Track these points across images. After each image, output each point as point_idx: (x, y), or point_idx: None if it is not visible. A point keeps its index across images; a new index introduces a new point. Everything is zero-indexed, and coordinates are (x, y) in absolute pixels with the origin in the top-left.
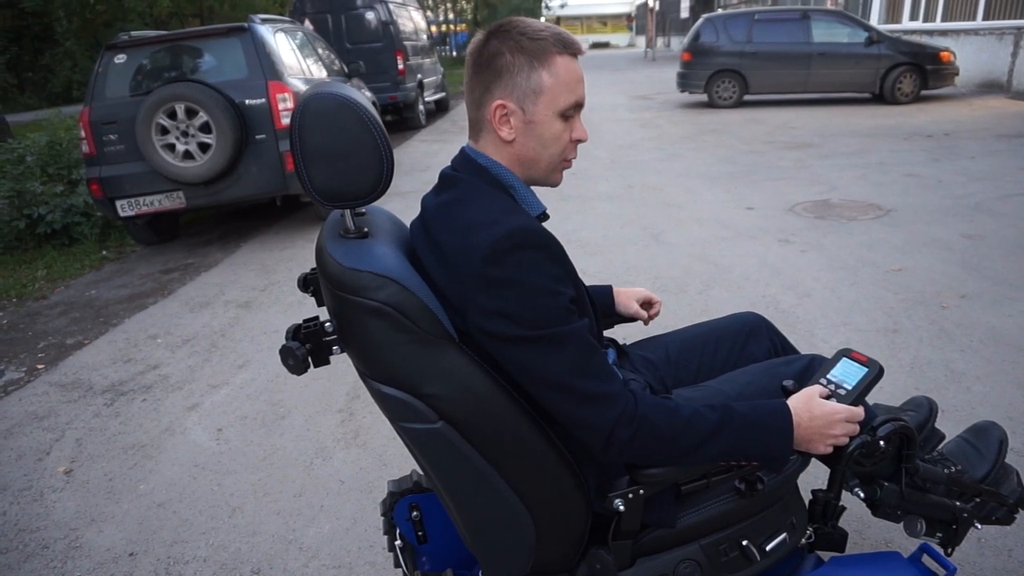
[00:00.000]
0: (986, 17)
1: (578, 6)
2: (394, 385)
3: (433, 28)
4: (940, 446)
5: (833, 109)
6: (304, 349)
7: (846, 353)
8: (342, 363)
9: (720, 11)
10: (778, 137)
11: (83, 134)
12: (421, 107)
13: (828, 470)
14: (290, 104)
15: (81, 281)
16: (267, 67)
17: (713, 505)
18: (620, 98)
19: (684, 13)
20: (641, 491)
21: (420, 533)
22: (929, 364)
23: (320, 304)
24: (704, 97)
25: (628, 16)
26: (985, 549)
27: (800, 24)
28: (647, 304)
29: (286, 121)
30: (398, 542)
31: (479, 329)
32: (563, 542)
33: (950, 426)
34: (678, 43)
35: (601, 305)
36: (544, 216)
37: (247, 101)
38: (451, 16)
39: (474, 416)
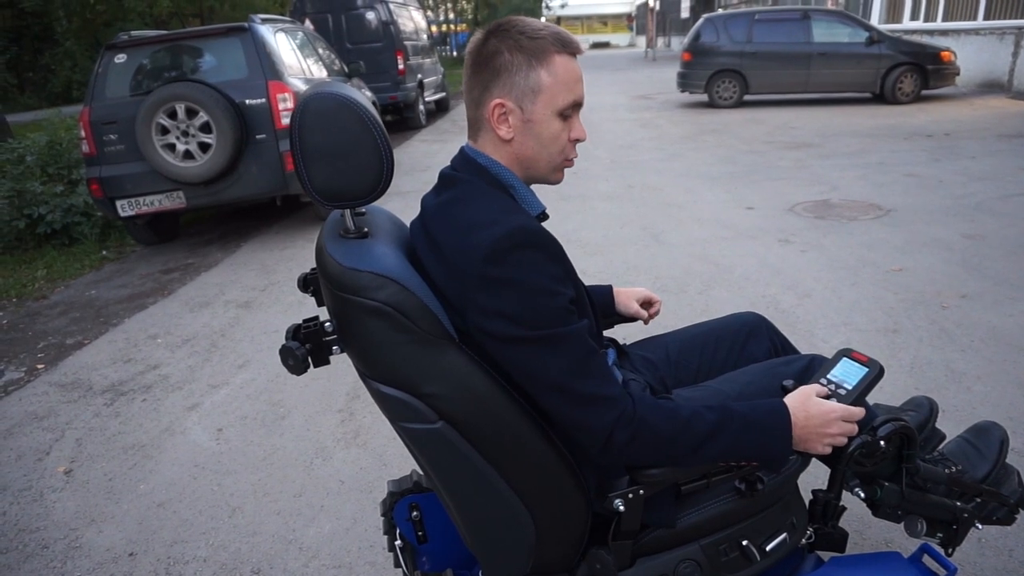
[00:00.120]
0: (987, 17)
1: (578, 6)
2: (394, 385)
3: (433, 28)
4: (941, 446)
5: (833, 109)
6: (304, 349)
7: (846, 353)
8: (342, 363)
9: (720, 11)
10: (778, 137)
11: (83, 134)
12: (421, 107)
13: (828, 470)
14: (290, 104)
15: (81, 281)
16: (267, 67)
17: (713, 505)
18: (620, 98)
19: (684, 13)
20: (641, 491)
21: (420, 533)
22: (929, 364)
23: (320, 304)
24: (704, 97)
25: (628, 16)
26: (986, 549)
27: (800, 24)
28: (647, 304)
29: (286, 121)
30: (398, 542)
31: (479, 329)
32: (563, 542)
33: (951, 426)
34: (678, 43)
35: (601, 305)
36: (544, 216)
37: (247, 101)
38: (451, 16)
39: (474, 416)
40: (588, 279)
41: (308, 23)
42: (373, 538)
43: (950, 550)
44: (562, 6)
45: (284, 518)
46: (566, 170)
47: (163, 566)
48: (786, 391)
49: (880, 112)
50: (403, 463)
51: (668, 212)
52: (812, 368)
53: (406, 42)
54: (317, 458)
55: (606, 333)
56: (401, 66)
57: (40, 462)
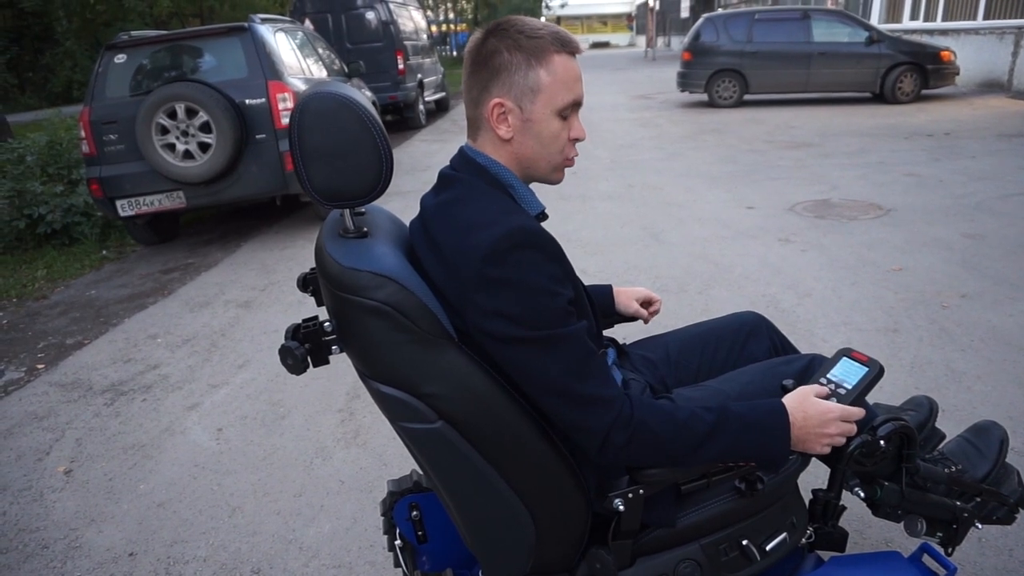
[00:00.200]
0: (986, 16)
1: (578, 6)
2: (393, 385)
3: (433, 28)
4: (941, 445)
5: (833, 109)
6: (303, 349)
7: (846, 353)
8: (342, 363)
9: (720, 11)
10: (778, 137)
11: (83, 134)
12: (421, 107)
13: (828, 470)
14: (290, 104)
15: (81, 281)
16: (267, 67)
17: (713, 505)
18: (620, 98)
19: (684, 13)
20: (641, 491)
21: (420, 533)
22: (929, 363)
23: (320, 304)
24: (704, 97)
25: (628, 16)
26: (986, 549)
27: (800, 24)
28: (647, 303)
29: (286, 121)
30: (398, 542)
31: (478, 329)
32: (563, 542)
33: (951, 426)
34: (678, 43)
35: (601, 305)
36: (543, 216)
37: (247, 101)
38: (451, 16)
39: (474, 416)
40: (588, 279)
41: (308, 23)
42: (373, 538)
43: (950, 549)
44: (562, 6)
45: (284, 518)
46: (566, 170)
47: (163, 566)
48: (786, 391)
49: (880, 112)
50: (403, 463)
51: (668, 211)
52: (812, 368)
53: (406, 42)
54: (317, 458)
55: (606, 332)
56: (401, 66)
57: (40, 462)
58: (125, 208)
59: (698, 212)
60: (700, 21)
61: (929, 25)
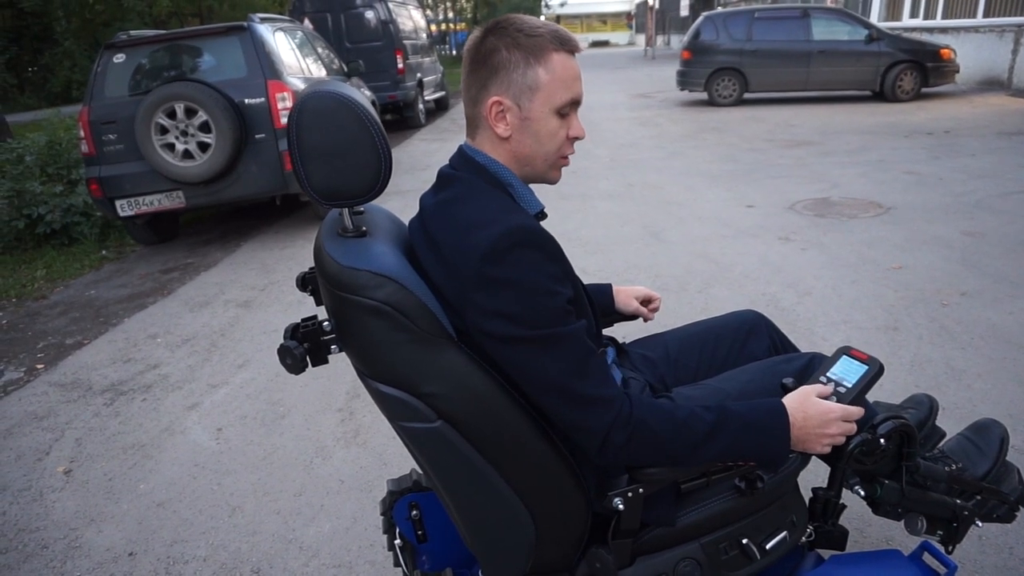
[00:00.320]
0: (986, 14)
1: (578, 4)
2: (393, 384)
3: (433, 27)
4: (941, 444)
5: (833, 107)
6: (302, 348)
7: (846, 351)
8: (342, 362)
9: (720, 9)
10: (778, 135)
11: (82, 134)
12: (421, 106)
13: (828, 468)
14: (289, 103)
15: (81, 281)
16: (266, 66)
17: (713, 503)
18: (620, 96)
19: (684, 11)
20: (641, 490)
21: (420, 532)
22: (929, 362)
23: (319, 303)
24: (704, 95)
25: (628, 14)
26: (986, 547)
27: (800, 22)
28: (647, 301)
29: (286, 120)
30: (398, 541)
31: (477, 329)
32: (563, 541)
33: (951, 424)
34: (678, 41)
35: (601, 304)
36: (542, 215)
37: (246, 100)
38: (451, 15)
39: (473, 415)
40: (588, 278)
41: (307, 22)
42: (373, 537)
43: (950, 548)
44: (561, 4)
45: (284, 517)
46: (566, 169)
47: (163, 566)
48: (786, 389)
49: (880, 110)
50: (403, 462)
51: (668, 210)
52: (812, 366)
53: (405, 41)
54: (317, 457)
55: (606, 331)
56: (400, 65)
57: (40, 462)
58: (124, 208)
59: (698, 211)
60: (700, 20)
61: (929, 23)
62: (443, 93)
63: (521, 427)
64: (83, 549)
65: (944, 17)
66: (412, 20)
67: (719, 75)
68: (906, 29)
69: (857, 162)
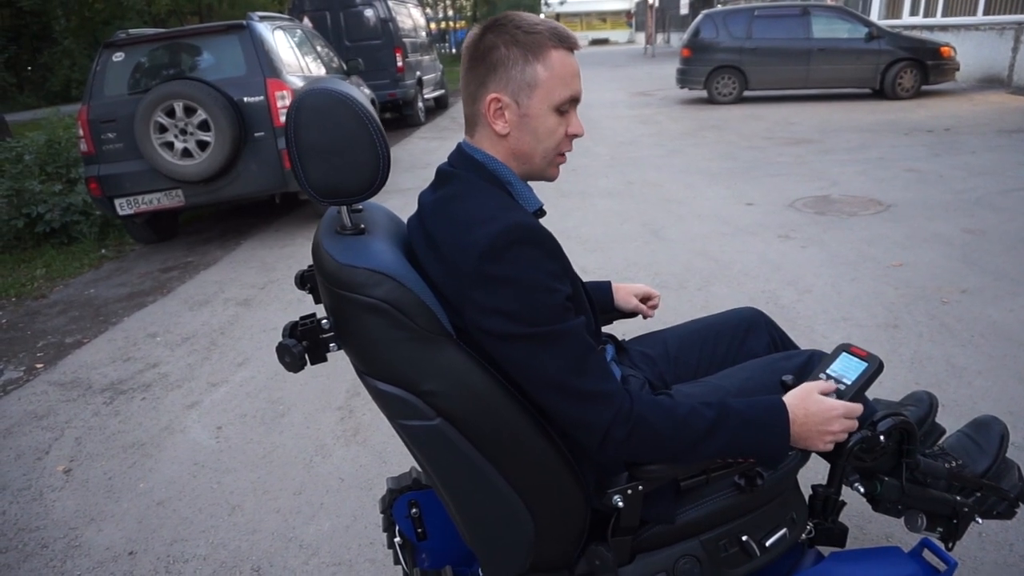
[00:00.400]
0: (986, 12)
1: (578, 2)
2: (392, 382)
3: (432, 25)
4: (941, 441)
5: (833, 105)
6: (301, 346)
7: (845, 348)
8: (342, 360)
9: (720, 7)
10: (778, 133)
11: (81, 132)
12: (420, 104)
13: (828, 465)
14: (289, 102)
15: (80, 280)
16: (265, 65)
17: (712, 501)
18: (620, 94)
19: (684, 9)
20: (640, 487)
21: (419, 530)
22: (930, 359)
23: (318, 301)
24: (704, 93)
25: (628, 12)
26: (986, 543)
27: (800, 20)
28: (646, 299)
29: (285, 118)
30: (397, 539)
31: (476, 326)
32: (562, 539)
33: (951, 421)
34: (678, 39)
35: (600, 301)
36: (541, 212)
37: (245, 99)
38: (450, 13)
39: (472, 413)
40: (588, 276)
41: (307, 21)
42: (373, 535)
43: (950, 544)
44: (561, 2)
45: (284, 516)
46: (566, 166)
47: (163, 564)
48: (785, 386)
49: (880, 107)
50: (403, 460)
51: (668, 208)
52: (812, 363)
53: (405, 39)
54: (317, 456)
55: (605, 329)
56: (400, 63)
57: (39, 461)
58: (124, 207)
59: (698, 209)
60: (699, 17)
61: (929, 21)
62: (443, 91)
63: (520, 424)
64: (83, 548)
65: (944, 15)
66: (411, 18)
67: (719, 73)
68: (906, 27)
69: (857, 160)
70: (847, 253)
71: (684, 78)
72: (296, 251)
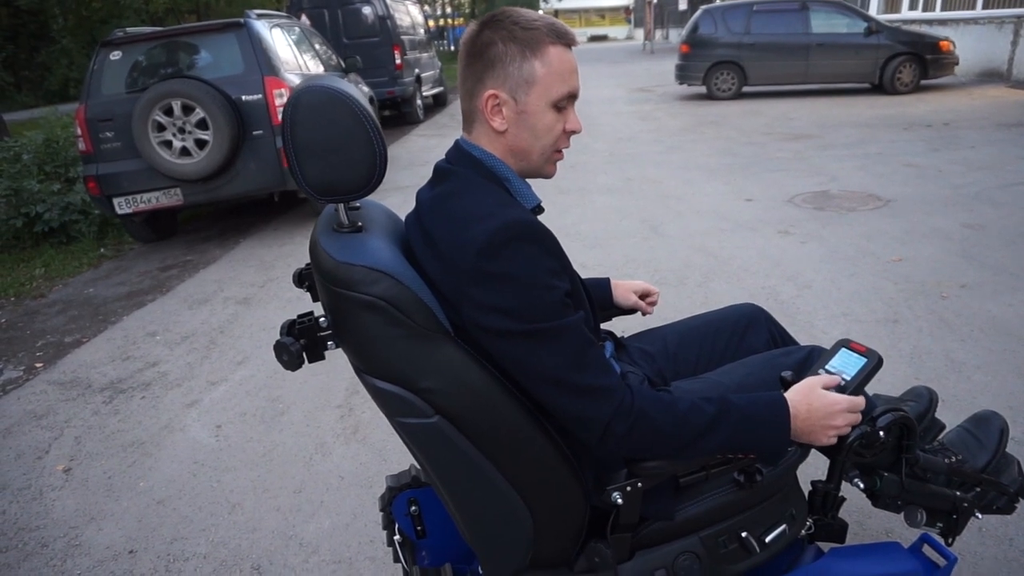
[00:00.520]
0: (985, 6)
1: None
2: (389, 380)
3: (431, 22)
4: (941, 436)
5: (832, 100)
6: (298, 344)
7: (845, 343)
8: (341, 358)
9: (718, 2)
10: (777, 128)
11: (79, 132)
12: (419, 102)
13: (827, 461)
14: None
15: (79, 279)
16: (263, 63)
17: (712, 497)
18: (618, 91)
19: (682, 5)
20: (639, 484)
21: (419, 528)
22: (929, 354)
23: (315, 299)
24: (703, 89)
25: (626, 9)
26: (986, 538)
27: (799, 15)
28: (645, 295)
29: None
30: (397, 537)
31: (474, 323)
32: (561, 536)
33: (951, 416)
34: (676, 35)
35: (599, 298)
36: (539, 209)
37: (244, 97)
38: (449, 10)
39: (470, 410)
40: (587, 272)
41: (304, 18)
42: (373, 533)
43: (950, 540)
44: None
45: (284, 514)
46: (565, 163)
47: (163, 563)
48: (785, 382)
49: (879, 102)
50: (403, 458)
51: (667, 204)
52: (811, 359)
53: (403, 37)
54: (316, 454)
55: (604, 326)
56: (398, 61)
57: (39, 460)
58: (122, 206)
59: (697, 205)
60: (698, 13)
61: (928, 15)
62: (441, 89)
63: (518, 422)
64: (83, 547)
65: (943, 9)
66: (410, 15)
67: (718, 69)
68: (905, 21)
69: (856, 155)
70: (846, 248)
71: (683, 74)
72: (295, 249)
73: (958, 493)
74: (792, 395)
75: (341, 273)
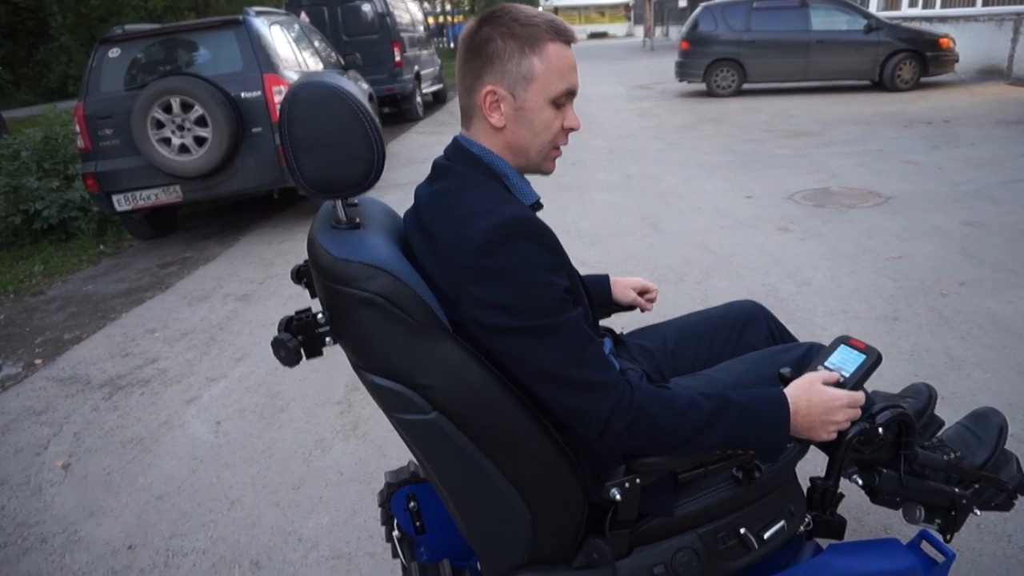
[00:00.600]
0: (985, 3)
1: None
2: (387, 376)
3: (430, 19)
4: (940, 433)
5: (832, 97)
6: (296, 341)
7: (844, 340)
8: (341, 355)
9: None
10: (777, 125)
11: (78, 129)
12: (419, 99)
13: (826, 457)
14: None
15: (78, 276)
16: (262, 60)
17: (710, 493)
18: (618, 88)
19: (682, 2)
20: (638, 480)
21: (418, 524)
22: (929, 351)
23: (314, 296)
24: (703, 86)
25: (626, 6)
26: (984, 535)
27: (798, 12)
28: (643, 292)
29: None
30: (396, 533)
31: (473, 320)
32: (560, 532)
33: (950, 413)
34: (676, 32)
35: (598, 295)
36: (538, 205)
37: (243, 94)
38: (448, 7)
39: (468, 407)
40: (587, 269)
41: (304, 16)
42: (372, 529)
43: (949, 536)
44: None
45: (283, 510)
46: (565, 160)
47: (162, 559)
48: (784, 379)
49: (879, 99)
50: (402, 454)
51: (667, 201)
52: (810, 356)
53: (403, 34)
54: (316, 450)
55: (603, 323)
56: (398, 58)
57: (38, 456)
58: (121, 203)
59: (697, 202)
60: (698, 10)
61: (928, 12)
62: (441, 86)
63: (516, 418)
64: (82, 543)
65: (943, 6)
66: (409, 13)
67: (717, 66)
68: (905, 18)
69: (856, 152)
70: (846, 245)
71: (683, 71)
72: (295, 246)
73: (957, 490)
74: (791, 391)
75: (339, 269)
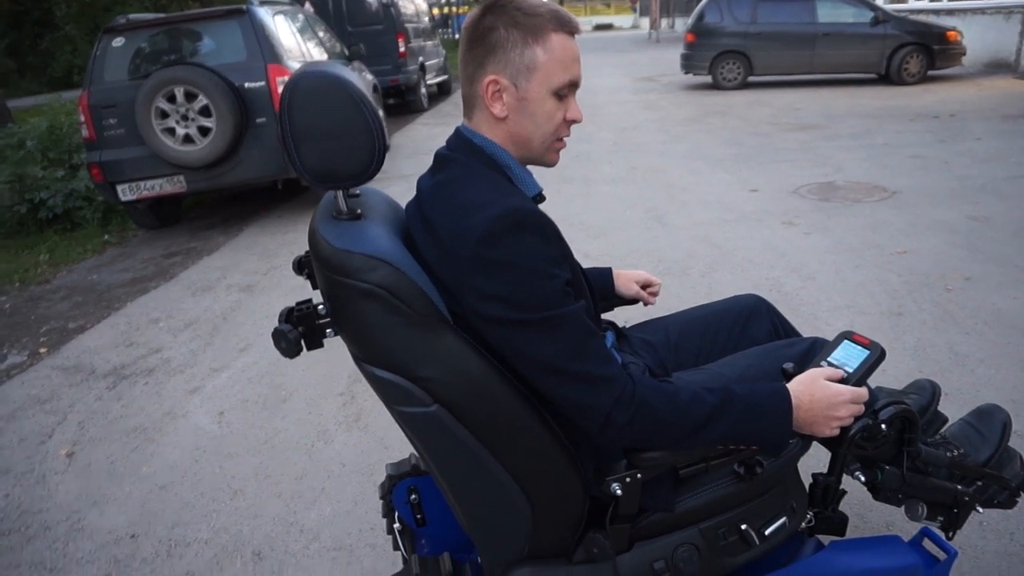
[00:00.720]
0: None
1: None
2: (388, 368)
3: (435, 10)
4: (943, 429)
5: (839, 90)
6: (297, 332)
7: (847, 336)
8: (343, 346)
9: None
10: (783, 119)
11: (83, 118)
12: (423, 90)
13: (828, 454)
14: None
15: (83, 265)
16: (266, 50)
17: (712, 489)
18: (623, 80)
19: None
20: (639, 475)
21: (419, 516)
22: (933, 347)
23: (315, 287)
24: (708, 79)
25: None
26: (987, 532)
27: (805, 4)
28: (646, 286)
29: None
30: (396, 525)
31: (474, 312)
32: (560, 526)
33: (953, 409)
34: (682, 24)
35: (600, 288)
36: (540, 197)
37: (247, 84)
38: None
39: (469, 399)
40: (590, 262)
41: (308, 6)
42: (374, 520)
43: (951, 533)
44: None
45: (285, 501)
46: (569, 152)
47: (164, 548)
48: (786, 374)
49: (885, 93)
50: (404, 446)
51: (671, 194)
52: (814, 351)
53: (407, 24)
54: (318, 441)
55: (605, 316)
56: (402, 49)
57: (42, 445)
58: (126, 192)
59: (701, 195)
60: (704, 2)
61: (935, 5)
62: (445, 77)
63: (517, 411)
64: (85, 531)
65: None
66: (414, 3)
67: (723, 58)
68: (912, 11)
69: (862, 146)
70: (851, 240)
71: (688, 63)
72: (298, 237)
73: (959, 487)
74: (794, 386)
75: (339, 260)
